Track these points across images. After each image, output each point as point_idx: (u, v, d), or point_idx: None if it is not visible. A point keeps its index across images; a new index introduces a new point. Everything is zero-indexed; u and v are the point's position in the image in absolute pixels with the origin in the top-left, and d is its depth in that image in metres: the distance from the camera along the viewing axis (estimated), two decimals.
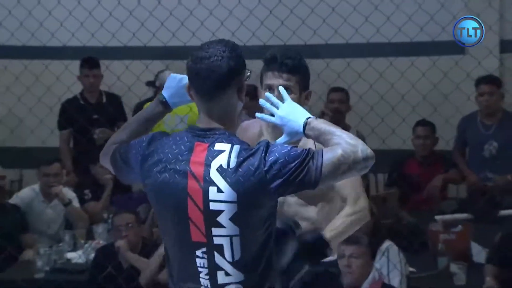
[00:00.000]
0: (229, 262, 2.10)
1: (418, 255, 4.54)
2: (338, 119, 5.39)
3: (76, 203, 5.22)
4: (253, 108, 5.87)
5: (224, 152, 2.08)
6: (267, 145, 2.09)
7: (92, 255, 4.64)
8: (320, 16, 5.13)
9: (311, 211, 2.74)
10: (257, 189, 2.06)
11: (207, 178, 2.07)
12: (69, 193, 5.22)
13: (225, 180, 2.06)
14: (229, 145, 2.09)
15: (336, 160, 2.05)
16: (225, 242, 2.09)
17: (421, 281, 4.30)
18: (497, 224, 4.67)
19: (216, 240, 2.09)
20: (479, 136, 5.37)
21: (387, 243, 4.27)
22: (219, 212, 2.07)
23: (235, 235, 2.08)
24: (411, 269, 4.34)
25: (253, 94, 5.98)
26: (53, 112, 5.58)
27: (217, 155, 2.08)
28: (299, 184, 2.06)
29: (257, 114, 2.30)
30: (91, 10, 5.33)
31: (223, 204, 2.07)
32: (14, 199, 5.19)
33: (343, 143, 2.08)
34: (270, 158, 2.06)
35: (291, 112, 2.22)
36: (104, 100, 5.73)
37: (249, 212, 2.08)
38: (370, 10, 5.20)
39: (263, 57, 2.74)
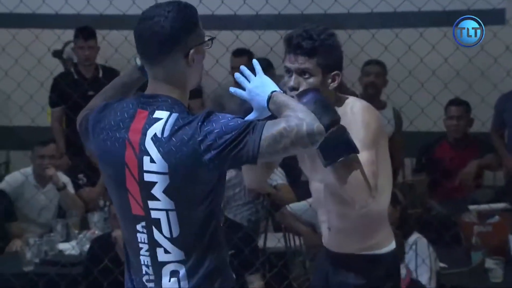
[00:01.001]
0: (167, 238, 2.16)
1: (450, 249, 4.52)
2: (373, 94, 5.36)
3: (70, 189, 5.22)
4: None
5: (161, 120, 2.13)
6: (207, 114, 2.13)
7: (87, 246, 4.65)
8: None
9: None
10: (190, 160, 2.09)
11: (142, 147, 2.14)
12: (63, 177, 5.22)
13: (158, 150, 2.12)
14: (167, 113, 2.13)
15: (277, 133, 2.07)
16: (161, 216, 2.16)
17: (453, 278, 4.28)
18: None
19: (153, 214, 2.16)
20: None
21: (415, 236, 4.25)
22: (153, 184, 2.14)
23: (171, 210, 2.14)
24: (441, 264, 4.32)
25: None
26: (44, 88, 5.56)
27: (153, 123, 2.13)
28: (235, 158, 2.08)
29: (231, 88, 2.39)
30: None
31: (155, 175, 2.13)
32: (2, 184, 5.19)
33: (291, 116, 2.10)
34: (206, 128, 2.10)
35: (259, 86, 2.31)
36: (101, 74, 5.71)
37: (184, 185, 2.13)
38: None
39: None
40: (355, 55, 5.34)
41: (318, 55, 2.65)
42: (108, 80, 5.52)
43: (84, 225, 5.05)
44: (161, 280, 2.19)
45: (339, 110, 2.64)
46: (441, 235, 4.55)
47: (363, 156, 2.58)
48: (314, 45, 2.64)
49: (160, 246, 2.17)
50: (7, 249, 4.87)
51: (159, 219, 2.16)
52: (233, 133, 2.07)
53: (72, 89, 5.47)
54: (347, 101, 2.73)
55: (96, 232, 4.89)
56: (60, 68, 5.62)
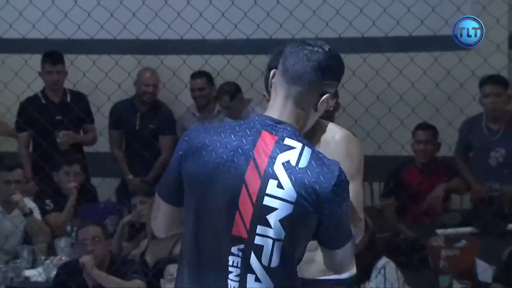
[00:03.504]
0: (263, 266, 2.11)
1: (418, 273, 4.52)
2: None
3: (37, 214, 5.16)
4: (233, 109, 5.89)
5: (295, 149, 2.12)
6: (346, 179, 2.17)
7: (54, 273, 4.59)
8: (310, 7, 5.12)
9: None
10: (314, 200, 2.10)
11: (269, 170, 2.10)
12: (29, 203, 5.16)
13: (289, 177, 2.09)
14: (300, 144, 2.13)
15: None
16: (266, 244, 2.10)
17: None
18: (505, 239, 4.67)
19: (258, 240, 2.10)
20: (484, 142, 5.36)
21: (383, 260, 4.26)
22: (272, 209, 2.09)
23: (279, 240, 2.10)
24: None
25: (233, 94, 6.02)
26: (11, 112, 5.52)
27: (285, 150, 2.12)
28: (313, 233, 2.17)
29: None
30: None
31: (278, 201, 2.09)
32: None
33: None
34: (343, 193, 2.16)
35: None
36: (69, 99, 5.68)
37: (303, 220, 2.11)
38: (365, 2, 5.19)
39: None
40: None
41: None
42: (75, 104, 5.58)
43: (51, 251, 5.00)
44: None
45: (323, 137, 2.64)
46: (409, 259, 4.56)
47: (350, 188, 2.59)
48: None
49: (253, 273, 2.11)
50: None
51: (262, 246, 2.10)
52: (335, 227, 2.19)
53: (40, 114, 5.43)
54: (328, 127, 2.71)
55: (63, 258, 4.84)
56: (27, 93, 5.58)
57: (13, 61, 5.54)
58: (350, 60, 5.27)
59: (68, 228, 5.17)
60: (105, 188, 5.76)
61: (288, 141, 2.13)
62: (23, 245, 5.02)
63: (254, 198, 2.10)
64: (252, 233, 2.10)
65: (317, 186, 2.10)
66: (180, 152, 2.19)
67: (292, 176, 2.09)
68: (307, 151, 2.13)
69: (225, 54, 5.49)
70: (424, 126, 5.43)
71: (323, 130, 2.70)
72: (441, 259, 4.50)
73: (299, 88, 2.18)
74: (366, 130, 4.99)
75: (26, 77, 5.42)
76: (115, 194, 5.93)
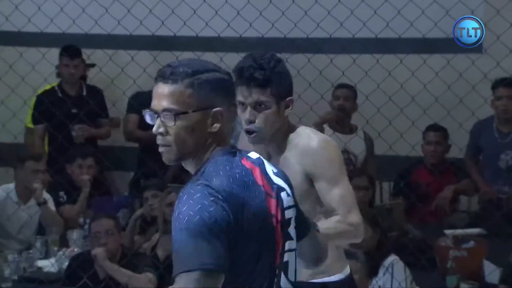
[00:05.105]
0: (291, 282, 2.01)
1: (425, 273, 4.53)
2: (343, 118, 5.41)
3: (51, 206, 5.20)
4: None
5: (260, 159, 2.02)
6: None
7: (66, 264, 4.62)
8: (325, 7, 5.12)
9: None
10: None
11: (273, 186, 1.98)
12: (44, 194, 5.20)
13: (285, 182, 2.02)
14: (255, 153, 2.03)
15: None
16: (291, 258, 2.01)
17: None
18: None
19: (285, 257, 2.00)
20: (494, 145, 5.36)
21: (391, 258, 4.26)
22: (289, 220, 2.00)
23: (295, 250, 2.02)
24: None
25: None
26: (27, 105, 5.55)
27: (261, 162, 2.00)
28: None
29: None
30: None
31: (291, 210, 2.02)
32: None
33: None
34: None
35: None
36: (85, 93, 5.71)
37: (300, 222, 2.05)
38: (379, 3, 5.19)
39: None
40: (336, 79, 5.39)
41: (271, 85, 2.59)
42: (91, 98, 5.60)
43: (64, 243, 5.03)
44: None
45: (296, 142, 2.62)
46: (417, 259, 4.56)
47: (336, 193, 2.58)
48: (266, 75, 2.58)
49: None
50: None
51: (287, 262, 1.99)
52: None
53: (56, 106, 5.47)
54: (299, 130, 2.68)
55: (75, 249, 4.87)
56: (44, 86, 5.62)
57: (31, 55, 5.57)
58: (363, 60, 5.32)
59: (81, 220, 5.20)
60: (118, 182, 5.80)
61: (252, 154, 2.02)
62: (37, 236, 5.06)
63: (280, 219, 1.97)
64: (283, 252, 1.99)
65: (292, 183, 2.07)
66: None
67: (283, 181, 2.01)
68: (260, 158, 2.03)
69: (239, 52, 5.50)
70: (435, 128, 5.44)
71: (297, 134, 2.67)
72: (448, 260, 4.50)
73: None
74: (378, 130, 5.01)
75: (43, 70, 5.46)
76: (128, 187, 5.96)
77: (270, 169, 2.00)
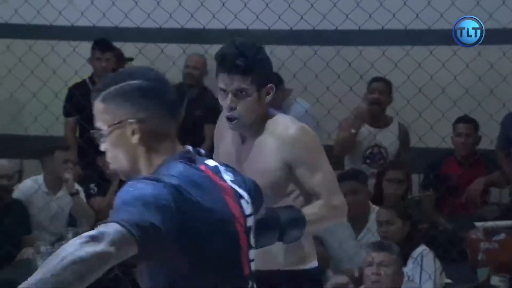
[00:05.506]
0: None
1: (456, 265, 4.51)
2: (378, 111, 5.38)
3: (82, 197, 5.25)
4: (275, 99, 5.89)
5: (216, 165, 1.92)
6: None
7: None
8: None
9: None
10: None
11: (234, 192, 1.88)
12: (76, 186, 5.25)
13: (244, 190, 1.92)
14: (214, 162, 1.93)
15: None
16: (254, 268, 1.92)
17: None
18: None
19: (252, 266, 1.91)
20: None
21: (421, 248, 4.24)
22: (250, 229, 1.91)
23: (253, 260, 1.92)
24: (447, 280, 4.30)
25: (275, 84, 6.03)
26: (58, 98, 5.60)
27: (218, 170, 1.90)
28: None
29: None
30: None
31: (251, 218, 1.92)
32: (16, 193, 5.22)
33: None
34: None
35: None
36: None
37: (259, 232, 2.01)
38: None
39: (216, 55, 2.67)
40: (365, 71, 5.37)
41: (252, 72, 2.61)
42: None
43: None
44: None
45: (274, 130, 2.64)
46: (447, 251, 4.54)
47: (317, 178, 2.60)
48: (248, 63, 2.60)
49: None
50: (18, 256, 4.89)
51: (254, 272, 1.90)
52: None
53: (87, 99, 5.49)
54: (276, 118, 2.69)
55: None
56: (74, 79, 5.66)
57: (62, 48, 5.62)
58: (392, 52, 5.29)
59: (111, 212, 5.23)
60: None
61: (209, 162, 1.90)
62: (68, 227, 5.10)
63: (244, 226, 1.87)
64: (249, 263, 1.89)
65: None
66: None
67: (242, 189, 1.91)
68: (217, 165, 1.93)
69: (268, 44, 5.50)
70: (465, 119, 5.40)
71: (274, 122, 2.68)
72: (479, 252, 4.47)
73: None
74: (408, 122, 4.98)
75: (74, 63, 5.51)
76: None
77: (227, 177, 1.91)
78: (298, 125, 2.68)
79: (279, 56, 5.23)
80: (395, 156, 5.41)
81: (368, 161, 5.34)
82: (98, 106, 1.90)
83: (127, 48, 5.70)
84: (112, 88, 1.87)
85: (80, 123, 5.65)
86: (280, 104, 5.65)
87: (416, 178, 5.76)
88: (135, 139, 1.86)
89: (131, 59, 5.83)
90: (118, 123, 1.86)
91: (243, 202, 1.90)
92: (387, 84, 5.44)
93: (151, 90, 1.86)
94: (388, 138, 5.37)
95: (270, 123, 2.67)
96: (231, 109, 2.62)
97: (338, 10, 5.13)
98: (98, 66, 5.69)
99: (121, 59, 5.80)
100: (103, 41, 5.67)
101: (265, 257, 2.51)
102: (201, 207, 1.77)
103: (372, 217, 4.56)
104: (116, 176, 5.36)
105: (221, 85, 2.63)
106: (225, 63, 2.62)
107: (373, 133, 5.30)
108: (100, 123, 1.90)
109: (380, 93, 5.42)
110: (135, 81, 1.86)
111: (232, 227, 1.84)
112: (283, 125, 2.67)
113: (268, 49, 5.34)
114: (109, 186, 5.39)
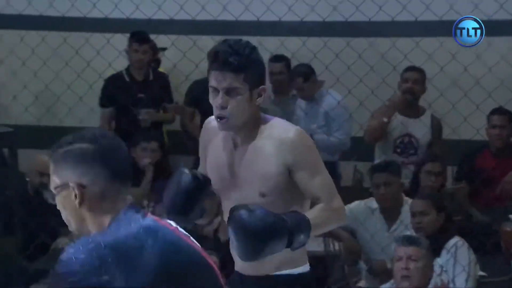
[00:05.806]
0: None
1: (490, 257, 4.47)
2: (412, 100, 5.34)
3: None
4: (307, 91, 5.89)
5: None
6: None
7: None
8: None
9: None
10: None
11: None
12: None
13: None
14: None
15: None
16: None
17: (493, 287, 4.24)
18: None
19: None
20: None
21: (455, 239, 4.20)
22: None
23: None
24: (481, 273, 4.27)
25: (307, 76, 6.02)
26: (93, 89, 5.65)
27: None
28: None
29: None
30: None
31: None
32: None
33: None
34: None
35: None
36: (151, 78, 5.77)
37: None
38: None
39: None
40: (398, 62, 5.34)
41: (245, 71, 2.55)
42: (157, 83, 5.65)
43: None
44: None
45: (271, 133, 2.60)
46: (481, 243, 4.51)
47: (317, 181, 2.57)
48: (241, 61, 2.54)
49: None
50: (53, 246, 4.94)
51: None
52: None
53: (123, 91, 5.54)
54: (271, 121, 2.65)
55: None
56: (108, 71, 5.70)
57: (96, 40, 5.66)
58: (425, 43, 5.26)
59: (145, 203, 5.28)
60: (182, 165, 5.84)
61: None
62: None
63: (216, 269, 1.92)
64: None
65: None
66: None
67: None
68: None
69: (300, 36, 5.49)
70: (500, 111, 5.34)
71: (270, 125, 2.63)
72: None
73: None
74: (441, 114, 4.95)
75: (107, 55, 5.55)
76: None
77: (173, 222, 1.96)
78: (296, 128, 2.65)
79: (311, 47, 5.23)
80: (427, 147, 5.38)
81: (398, 150, 5.32)
82: (50, 165, 1.91)
83: (160, 40, 5.73)
84: (62, 149, 1.89)
85: (115, 114, 5.69)
86: (312, 96, 5.64)
87: (449, 170, 5.73)
88: (77, 203, 1.87)
89: (164, 49, 5.85)
90: (62, 185, 1.87)
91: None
92: (421, 73, 5.41)
93: (94, 155, 1.87)
94: (420, 129, 5.34)
95: (264, 128, 2.62)
96: (222, 107, 2.56)
97: (371, 1, 5.11)
98: (135, 58, 5.71)
99: (155, 51, 5.83)
100: (141, 33, 5.68)
101: (254, 262, 2.51)
102: (157, 258, 1.77)
103: (405, 209, 4.54)
104: (149, 168, 5.43)
105: (213, 83, 2.56)
106: (217, 60, 2.56)
107: (404, 123, 5.26)
108: (51, 183, 1.91)
109: (414, 82, 5.38)
110: (82, 145, 1.88)
111: (211, 273, 1.89)
112: (281, 128, 2.63)
113: (300, 40, 5.40)
114: (142, 177, 5.43)
